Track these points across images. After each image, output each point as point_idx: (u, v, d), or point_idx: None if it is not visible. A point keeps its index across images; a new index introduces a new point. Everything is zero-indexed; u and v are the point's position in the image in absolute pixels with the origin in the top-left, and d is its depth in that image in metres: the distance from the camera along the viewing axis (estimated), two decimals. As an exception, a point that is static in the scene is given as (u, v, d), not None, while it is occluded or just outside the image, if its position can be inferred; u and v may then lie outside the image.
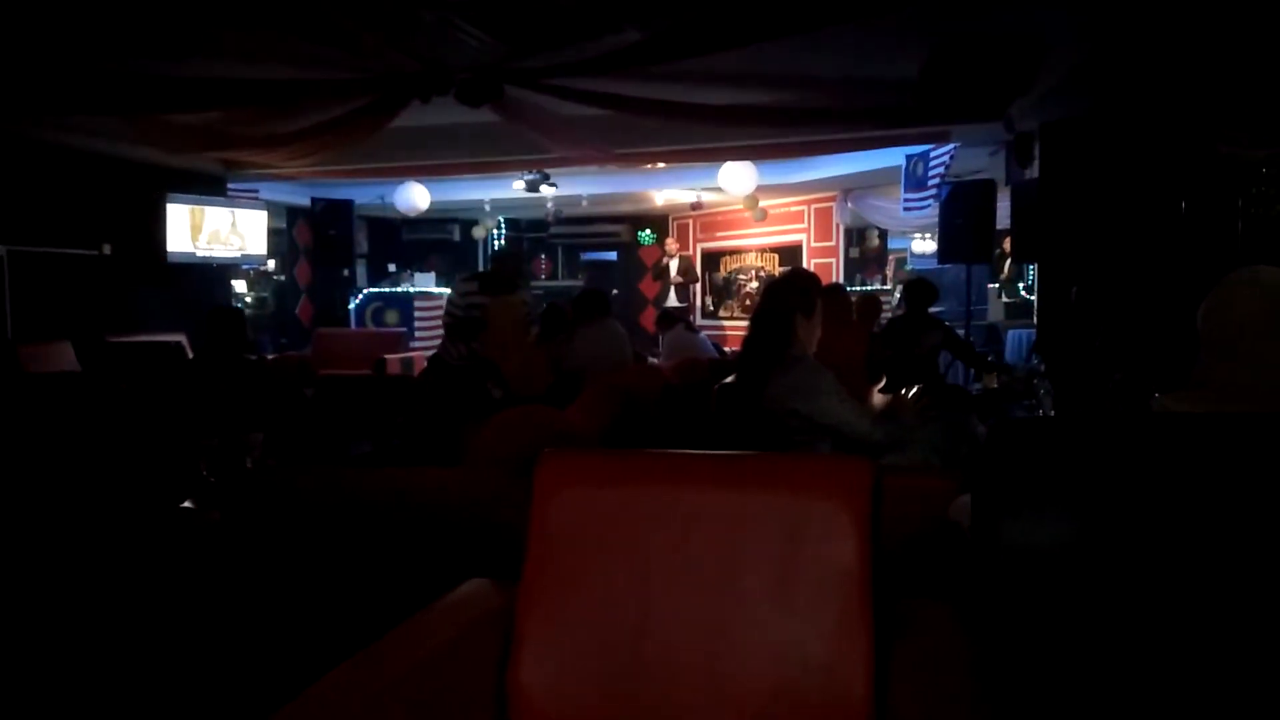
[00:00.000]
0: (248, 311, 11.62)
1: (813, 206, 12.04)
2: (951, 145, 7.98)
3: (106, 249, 8.34)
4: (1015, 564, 1.56)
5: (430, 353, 6.98)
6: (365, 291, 12.07)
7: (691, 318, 12.26)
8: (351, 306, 11.85)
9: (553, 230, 14.11)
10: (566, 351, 5.70)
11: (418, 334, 11.15)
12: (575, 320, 6.00)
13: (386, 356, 9.36)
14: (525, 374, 4.74)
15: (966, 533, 1.86)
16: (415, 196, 10.60)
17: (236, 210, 9.77)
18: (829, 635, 1.57)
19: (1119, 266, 6.00)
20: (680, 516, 1.70)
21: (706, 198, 11.98)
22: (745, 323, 3.43)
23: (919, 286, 6.55)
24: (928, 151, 8.40)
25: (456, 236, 14.17)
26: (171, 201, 8.81)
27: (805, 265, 11.89)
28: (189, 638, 2.38)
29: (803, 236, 12.25)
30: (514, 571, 1.74)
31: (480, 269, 13.90)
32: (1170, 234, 5.88)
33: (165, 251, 8.75)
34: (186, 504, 2.59)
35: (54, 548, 2.53)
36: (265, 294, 12.83)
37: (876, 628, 1.57)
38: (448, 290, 8.01)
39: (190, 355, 7.58)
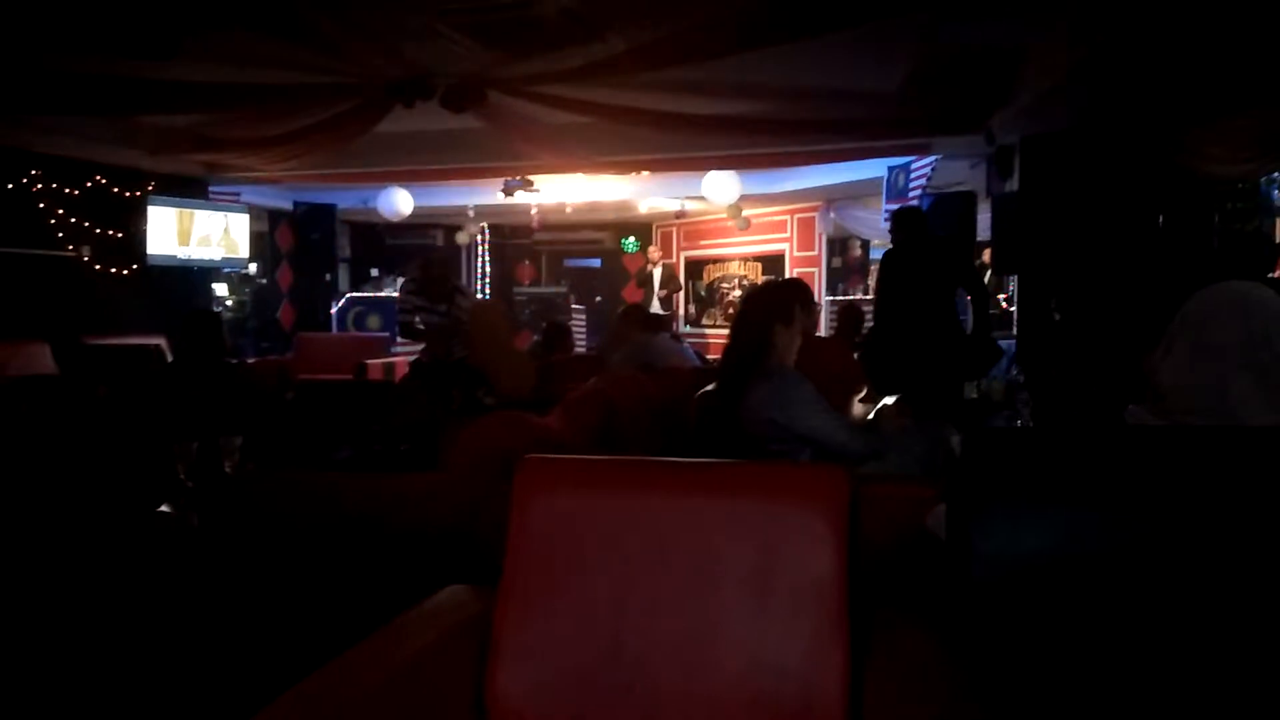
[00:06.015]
0: (228, 315, 11.53)
1: (795, 216, 12.09)
2: (933, 157, 8.03)
3: (86, 251, 8.29)
4: (989, 574, 1.58)
5: (412, 358, 6.98)
6: (347, 296, 12.01)
7: (675, 326, 12.27)
8: (333, 311, 11.78)
9: (536, 236, 14.11)
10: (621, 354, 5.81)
11: (400, 339, 11.10)
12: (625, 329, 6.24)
13: (368, 361, 9.31)
14: (512, 379, 4.72)
15: (942, 542, 1.88)
16: (399, 201, 10.58)
17: (230, 215, 9.72)
18: (805, 644, 1.58)
19: (1097, 279, 6.06)
20: (659, 523, 1.70)
21: (690, 206, 12.01)
22: (727, 331, 3.42)
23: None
24: (909, 163, 8.46)
25: (440, 242, 14.15)
26: (153, 204, 8.76)
27: (788, 274, 11.95)
28: (166, 643, 2.36)
29: (785, 246, 12.30)
30: (493, 577, 1.74)
31: (464, 274, 13.95)
32: (1147, 248, 5.95)
33: (145, 254, 8.70)
34: (164, 508, 2.57)
35: (29, 551, 2.51)
36: (246, 297, 12.73)
37: (853, 637, 1.58)
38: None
39: (169, 358, 7.52)
